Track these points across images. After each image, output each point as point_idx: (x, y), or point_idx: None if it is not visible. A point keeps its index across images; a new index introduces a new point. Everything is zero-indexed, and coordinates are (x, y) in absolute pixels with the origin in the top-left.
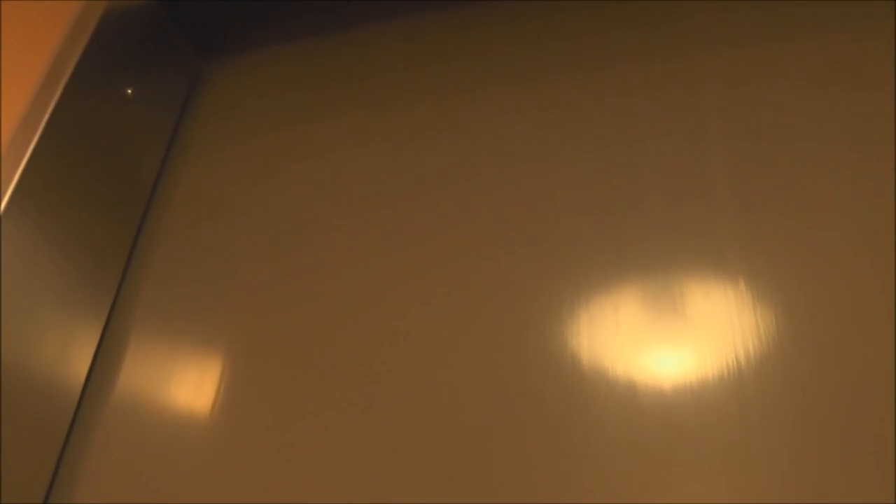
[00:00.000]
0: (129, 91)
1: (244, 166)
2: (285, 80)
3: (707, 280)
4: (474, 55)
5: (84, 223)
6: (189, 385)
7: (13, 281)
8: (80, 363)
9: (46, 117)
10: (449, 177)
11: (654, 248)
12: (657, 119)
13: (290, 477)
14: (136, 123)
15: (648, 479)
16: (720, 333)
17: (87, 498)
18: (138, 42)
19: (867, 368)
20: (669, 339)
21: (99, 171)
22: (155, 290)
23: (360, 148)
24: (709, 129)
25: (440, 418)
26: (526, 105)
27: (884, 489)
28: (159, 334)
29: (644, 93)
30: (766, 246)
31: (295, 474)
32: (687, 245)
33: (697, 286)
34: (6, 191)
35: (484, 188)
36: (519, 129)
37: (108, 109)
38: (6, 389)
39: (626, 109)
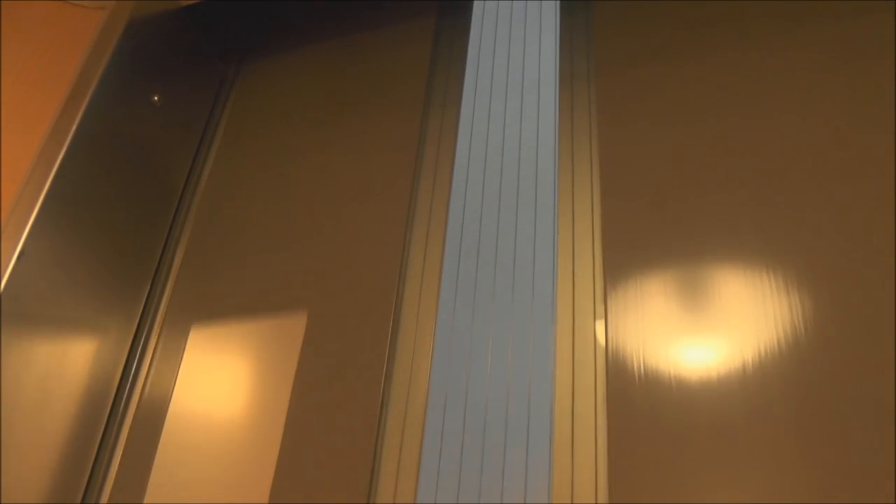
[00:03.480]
0: (156, 98)
1: (272, 166)
2: (310, 80)
3: (739, 269)
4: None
5: (114, 228)
6: (221, 385)
7: (46, 286)
8: (113, 365)
9: (75, 127)
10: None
11: (684, 239)
12: (680, 111)
13: (315, 474)
14: (164, 129)
15: (682, 471)
16: (753, 323)
17: (121, 498)
18: (163, 49)
19: None
20: (702, 330)
21: (129, 178)
22: (185, 292)
23: (386, 146)
24: (734, 119)
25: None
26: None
27: None
28: (190, 335)
29: (666, 87)
30: (798, 234)
31: (321, 472)
32: (717, 235)
33: (729, 276)
34: (38, 199)
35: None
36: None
37: (135, 117)
38: (44, 393)
39: (648, 101)
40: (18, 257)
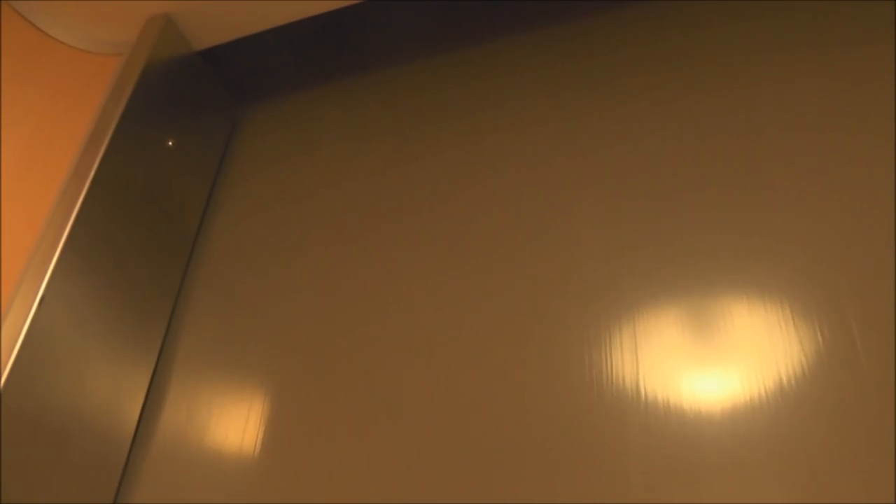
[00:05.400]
0: (171, 143)
1: (285, 208)
2: (324, 122)
3: (745, 298)
4: (500, 90)
5: (131, 272)
6: (236, 424)
7: (66, 331)
8: (131, 408)
9: (93, 172)
10: (483, 211)
11: (691, 269)
12: (689, 140)
13: None
14: (179, 173)
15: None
16: (760, 352)
17: None
18: (178, 94)
19: None
20: (709, 360)
21: (145, 222)
22: (200, 334)
23: (397, 185)
24: (741, 148)
25: (479, 450)
26: (557, 135)
27: None
28: (206, 377)
29: (673, 118)
30: (803, 260)
31: None
32: (724, 264)
33: (735, 305)
34: (59, 244)
35: (518, 216)
36: (549, 157)
37: (151, 161)
38: (63, 435)
39: (657, 133)
40: (39, 303)
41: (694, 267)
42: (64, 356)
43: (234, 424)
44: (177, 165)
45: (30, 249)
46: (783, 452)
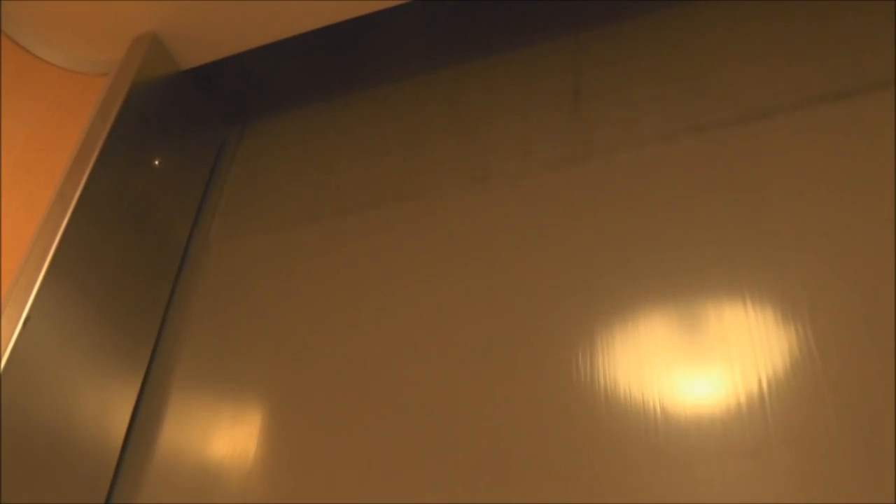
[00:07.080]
0: (157, 162)
1: (271, 227)
2: (311, 140)
3: (726, 301)
4: (494, 113)
5: (118, 291)
6: (224, 443)
7: (52, 350)
8: (117, 427)
9: (79, 192)
10: (478, 221)
11: (672, 272)
12: (682, 143)
13: None
14: (166, 193)
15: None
16: (741, 354)
17: None
18: (165, 113)
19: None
20: (691, 363)
21: (131, 242)
22: (187, 353)
23: (390, 203)
24: (734, 150)
25: (474, 463)
26: (554, 144)
27: None
28: (193, 396)
29: (666, 122)
30: (785, 262)
31: None
32: (705, 266)
33: (717, 307)
34: (44, 263)
35: (511, 223)
36: (542, 166)
37: (137, 181)
38: (48, 455)
39: (649, 138)
40: (24, 322)
41: (686, 269)
42: (49, 376)
43: (222, 441)
44: (164, 185)
45: (15, 269)
46: (779, 452)
